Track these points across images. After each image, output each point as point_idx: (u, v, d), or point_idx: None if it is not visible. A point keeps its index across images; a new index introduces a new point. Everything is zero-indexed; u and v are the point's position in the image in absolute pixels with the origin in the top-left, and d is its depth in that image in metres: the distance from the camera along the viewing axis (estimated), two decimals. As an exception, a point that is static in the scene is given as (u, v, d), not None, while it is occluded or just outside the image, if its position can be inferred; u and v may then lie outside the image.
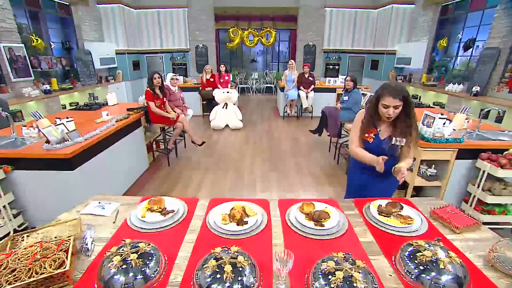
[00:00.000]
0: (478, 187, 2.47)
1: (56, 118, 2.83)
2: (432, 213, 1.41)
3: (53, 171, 2.34)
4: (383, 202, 1.48)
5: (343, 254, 0.99)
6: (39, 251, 1.01)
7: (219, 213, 1.39)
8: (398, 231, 1.27)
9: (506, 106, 4.32)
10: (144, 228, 1.32)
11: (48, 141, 2.40)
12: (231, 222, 1.33)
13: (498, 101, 4.68)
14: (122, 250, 1.02)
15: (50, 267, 0.96)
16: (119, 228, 1.34)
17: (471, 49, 5.98)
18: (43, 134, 2.36)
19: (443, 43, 6.73)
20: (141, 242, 1.08)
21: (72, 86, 6.18)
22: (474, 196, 2.51)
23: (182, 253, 1.16)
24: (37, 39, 5.63)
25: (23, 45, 5.08)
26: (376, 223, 1.34)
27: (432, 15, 7.04)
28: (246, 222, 1.33)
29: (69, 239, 1.11)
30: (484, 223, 2.54)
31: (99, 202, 1.58)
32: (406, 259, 1.03)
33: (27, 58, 5.14)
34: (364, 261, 0.97)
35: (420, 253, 1.00)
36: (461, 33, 6.28)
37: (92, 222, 1.40)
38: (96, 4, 7.31)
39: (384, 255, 1.14)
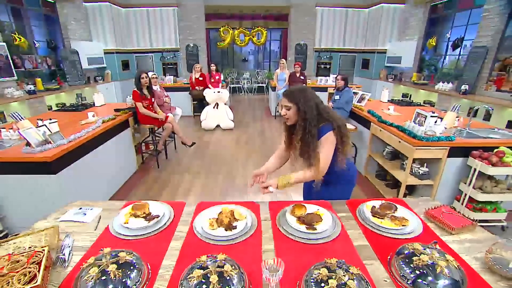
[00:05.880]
0: (470, 185, 2.46)
1: (38, 119, 2.70)
2: (426, 213, 1.37)
3: (34, 175, 2.23)
4: (377, 203, 1.44)
5: (336, 260, 0.94)
6: (7, 265, 0.92)
7: (206, 218, 1.33)
8: (393, 234, 1.22)
9: (494, 104, 4.37)
10: (127, 235, 1.25)
11: (28, 144, 2.28)
12: (219, 227, 1.27)
13: (486, 99, 4.74)
14: (101, 260, 0.95)
15: (19, 282, 0.88)
16: (100, 236, 1.26)
17: (459, 48, 6.05)
18: (23, 136, 2.24)
19: (432, 42, 6.80)
20: (121, 251, 1.00)
21: (58, 86, 5.99)
22: (466, 194, 2.51)
23: (167, 261, 1.09)
24: (20, 38, 5.43)
25: (4, 43, 4.89)
26: (370, 226, 1.29)
27: (422, 14, 7.11)
28: (235, 227, 1.26)
29: (43, 250, 1.02)
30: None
31: (80, 208, 1.49)
32: (402, 263, 0.98)
33: (9, 57, 4.94)
34: (358, 267, 0.92)
35: (416, 257, 0.96)
36: (449, 32, 6.35)
37: (71, 229, 1.31)
38: (82, 1, 7.11)
39: (379, 259, 1.09)
